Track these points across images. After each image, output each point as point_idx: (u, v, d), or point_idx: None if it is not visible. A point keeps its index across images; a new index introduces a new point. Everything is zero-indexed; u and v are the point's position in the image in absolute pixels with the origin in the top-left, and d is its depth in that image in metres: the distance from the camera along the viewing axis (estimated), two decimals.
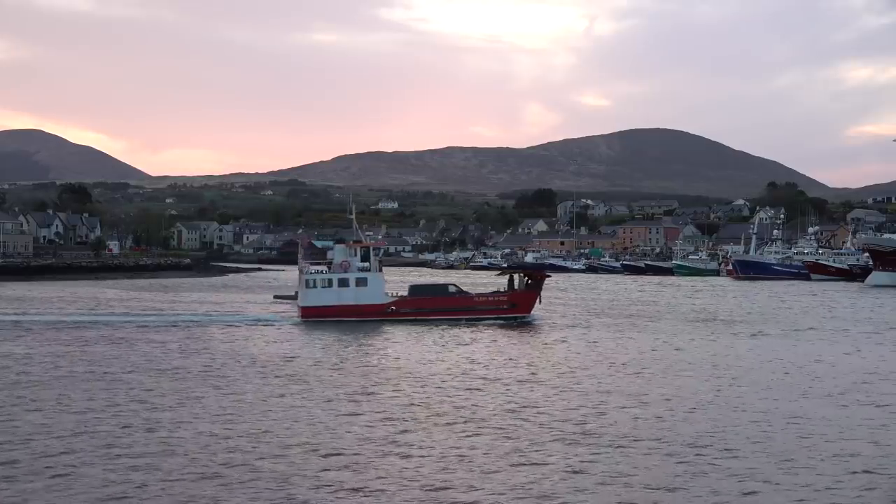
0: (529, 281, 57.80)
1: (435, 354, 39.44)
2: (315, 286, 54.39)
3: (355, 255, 55.66)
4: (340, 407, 26.30)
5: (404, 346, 42.63)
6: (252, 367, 34.87)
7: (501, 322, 53.67)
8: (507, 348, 42.05)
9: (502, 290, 58.44)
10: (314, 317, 53.30)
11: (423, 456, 20.40)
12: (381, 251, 65.94)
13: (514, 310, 55.39)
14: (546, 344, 43.97)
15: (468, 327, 51.18)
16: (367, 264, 55.24)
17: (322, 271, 56.17)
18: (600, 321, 57.64)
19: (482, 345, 43.36)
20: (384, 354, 39.32)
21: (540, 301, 57.22)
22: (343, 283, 54.15)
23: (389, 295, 55.67)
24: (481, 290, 62.94)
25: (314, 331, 48.93)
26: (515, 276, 59.16)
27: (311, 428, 23.17)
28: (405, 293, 56.68)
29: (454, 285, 58.29)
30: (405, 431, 22.88)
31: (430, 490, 17.74)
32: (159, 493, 17.46)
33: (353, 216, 66.24)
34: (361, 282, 54.22)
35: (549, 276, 64.03)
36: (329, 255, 59.25)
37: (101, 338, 44.98)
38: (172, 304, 71.83)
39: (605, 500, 17.22)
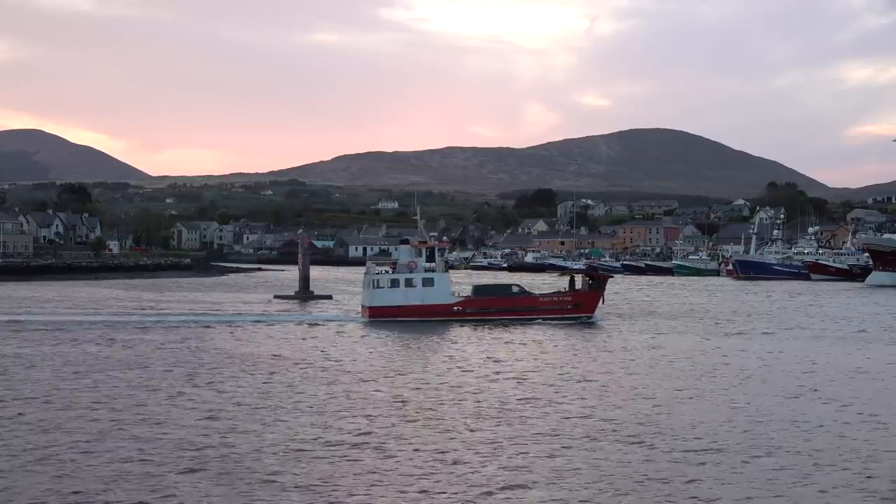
0: (591, 281, 58.38)
1: (526, 353, 39.82)
2: (382, 286, 54.80)
3: (420, 255, 55.99)
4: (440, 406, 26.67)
5: (491, 346, 42.52)
6: (362, 366, 35.45)
7: (565, 322, 53.82)
8: (603, 350, 41.73)
9: (563, 290, 59.19)
10: (381, 317, 53.59)
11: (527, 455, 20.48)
12: (446, 251, 66.54)
13: (578, 310, 55.64)
14: (653, 346, 43.03)
15: (543, 327, 51.56)
16: (432, 264, 55.59)
17: (387, 272, 56.49)
18: (666, 323, 56.38)
19: (568, 344, 43.92)
20: (484, 356, 39.21)
21: (603, 301, 57.50)
22: (410, 283, 54.52)
23: (455, 295, 55.99)
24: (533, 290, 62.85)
25: (388, 331, 48.95)
26: (577, 277, 59.80)
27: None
28: (464, 293, 57.16)
29: (517, 285, 59.16)
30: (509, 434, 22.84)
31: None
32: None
33: (418, 217, 65.97)
34: (428, 282, 54.63)
35: (611, 277, 64.58)
36: (393, 255, 59.46)
37: (183, 338, 45.39)
38: (222, 304, 71.54)
39: None
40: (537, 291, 60.77)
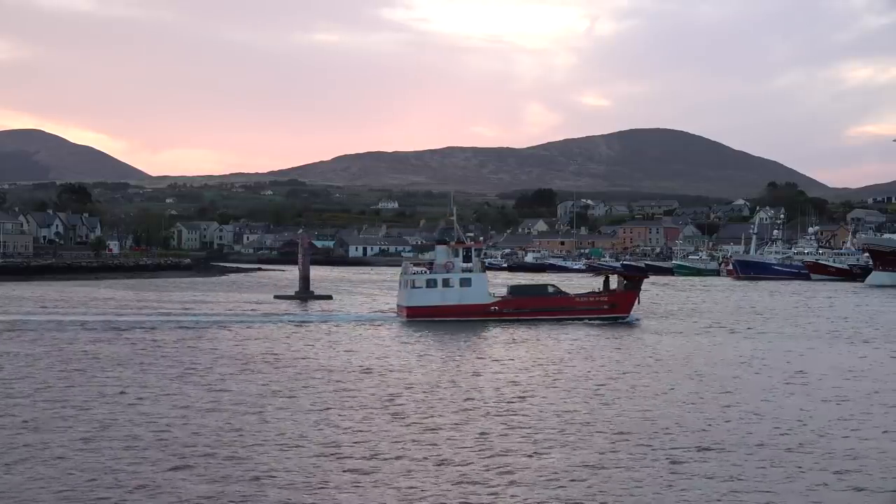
0: (627, 282, 58.57)
1: (579, 353, 40.07)
2: (420, 287, 55.03)
3: (457, 255, 56.17)
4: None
5: (547, 348, 42.37)
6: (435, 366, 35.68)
7: (601, 322, 53.91)
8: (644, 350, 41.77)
9: (597, 290, 59.50)
10: (419, 317, 53.87)
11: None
12: (483, 252, 66.94)
13: (614, 310, 55.87)
14: (718, 344, 42.82)
15: (587, 327, 51.79)
16: (469, 265, 55.82)
17: (423, 272, 56.76)
18: (701, 325, 55.93)
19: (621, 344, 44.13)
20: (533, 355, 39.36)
21: (639, 302, 57.66)
22: (447, 283, 54.77)
23: (492, 295, 56.14)
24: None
25: (432, 331, 49.07)
26: (612, 278, 60.08)
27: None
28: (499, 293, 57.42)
29: (552, 285, 59.62)
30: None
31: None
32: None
33: (455, 217, 66.28)
34: (465, 282, 54.97)
35: (647, 278, 64.68)
36: (429, 255, 59.77)
37: (232, 337, 45.75)
38: (254, 305, 71.71)
39: None
40: (572, 292, 60.93)
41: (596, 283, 67.18)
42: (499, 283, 75.12)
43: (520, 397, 28.26)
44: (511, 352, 40.73)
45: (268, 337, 45.94)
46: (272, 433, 22.52)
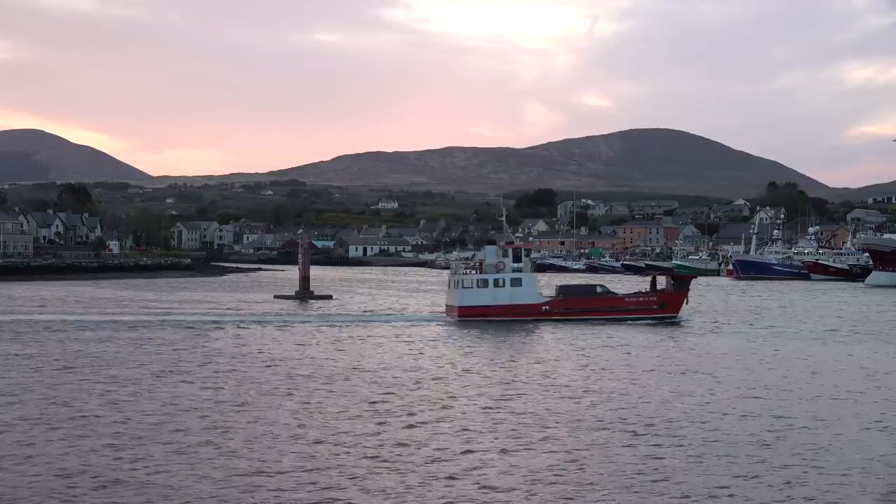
0: (675, 282, 58.78)
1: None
2: (471, 287, 55.17)
3: (507, 255, 56.33)
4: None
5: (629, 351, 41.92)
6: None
7: (651, 322, 54.08)
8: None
9: (644, 290, 59.83)
10: (471, 317, 53.93)
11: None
12: (532, 252, 67.37)
13: (663, 310, 56.03)
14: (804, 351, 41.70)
15: (646, 327, 52.05)
16: (520, 265, 56.02)
17: (472, 272, 56.86)
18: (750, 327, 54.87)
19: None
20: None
21: (687, 302, 57.79)
22: (498, 283, 54.91)
23: (541, 295, 56.35)
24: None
25: (484, 330, 49.13)
26: (659, 278, 60.35)
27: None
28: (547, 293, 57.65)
29: (601, 285, 59.89)
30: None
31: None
32: None
33: (504, 218, 66.74)
34: (516, 282, 55.08)
35: (695, 278, 64.66)
36: (478, 256, 59.95)
37: (289, 337, 45.92)
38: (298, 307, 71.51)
39: None
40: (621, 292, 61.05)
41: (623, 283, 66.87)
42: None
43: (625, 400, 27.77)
44: (600, 353, 39.98)
45: (333, 340, 45.02)
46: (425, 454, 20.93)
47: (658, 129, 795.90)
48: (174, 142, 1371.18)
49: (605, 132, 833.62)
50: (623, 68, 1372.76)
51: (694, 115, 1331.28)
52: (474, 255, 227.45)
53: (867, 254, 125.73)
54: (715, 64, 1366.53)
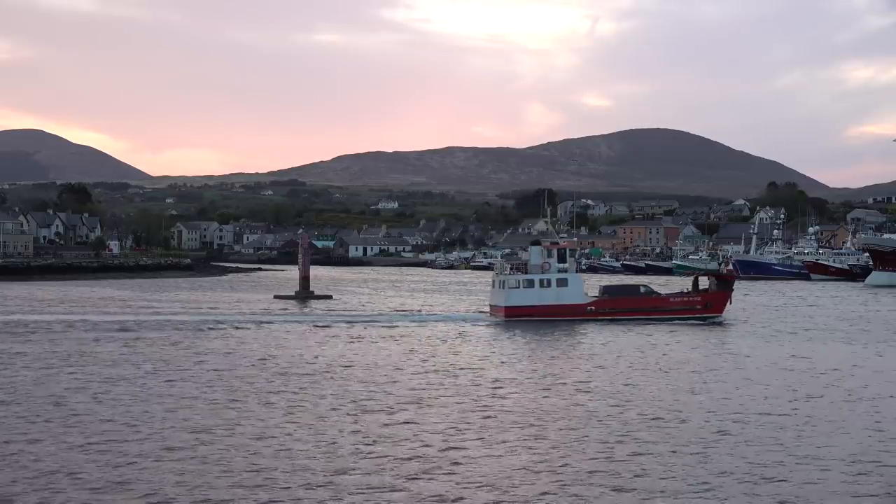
0: (719, 282, 58.94)
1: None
2: (518, 287, 55.32)
3: (552, 256, 56.40)
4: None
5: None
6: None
7: (695, 322, 54.20)
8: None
9: (685, 290, 60.00)
10: (517, 317, 54.03)
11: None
12: (577, 252, 67.18)
13: (707, 310, 56.11)
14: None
15: (708, 327, 52.24)
16: (565, 265, 56.15)
17: (517, 272, 57.01)
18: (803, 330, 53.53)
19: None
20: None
21: (730, 302, 57.97)
22: (544, 283, 55.09)
23: (586, 295, 56.57)
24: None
25: (534, 331, 49.22)
26: (701, 278, 60.54)
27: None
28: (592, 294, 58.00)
29: (644, 285, 60.12)
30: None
31: None
32: None
33: (549, 219, 66.19)
34: (562, 282, 55.23)
35: (738, 278, 64.63)
36: (523, 256, 60.03)
37: (333, 336, 46.20)
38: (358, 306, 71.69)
39: None
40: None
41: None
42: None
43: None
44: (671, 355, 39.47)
45: (399, 341, 44.97)
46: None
47: (658, 129, 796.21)
48: (174, 142, 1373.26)
49: (605, 132, 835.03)
50: (623, 68, 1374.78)
51: (694, 115, 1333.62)
52: (474, 254, 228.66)
53: (867, 254, 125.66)
54: (715, 64, 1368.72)
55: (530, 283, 55.10)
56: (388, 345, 42.71)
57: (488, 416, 24.92)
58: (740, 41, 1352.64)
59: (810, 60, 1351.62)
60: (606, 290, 58.80)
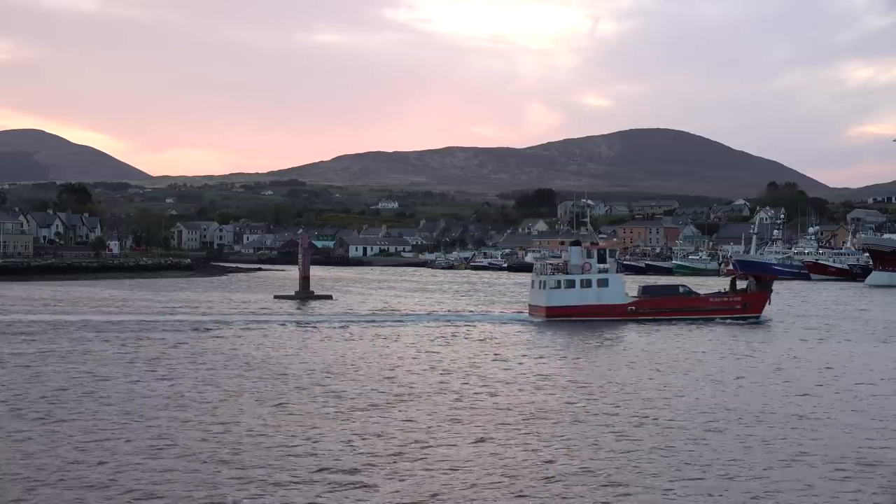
0: (758, 282, 59.24)
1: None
2: (559, 287, 55.60)
3: (592, 256, 56.72)
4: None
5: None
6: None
7: (734, 322, 54.31)
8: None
9: (723, 290, 60.45)
10: (558, 317, 54.32)
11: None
12: (617, 252, 67.24)
13: (747, 310, 56.41)
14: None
15: (751, 326, 52.54)
16: (605, 265, 56.44)
17: (557, 273, 57.17)
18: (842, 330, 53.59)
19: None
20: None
21: (769, 302, 58.09)
22: (586, 284, 55.37)
23: (627, 295, 56.75)
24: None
25: (577, 331, 49.36)
26: (739, 280, 61.12)
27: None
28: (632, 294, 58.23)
29: (683, 285, 60.76)
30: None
31: None
32: None
33: (588, 220, 66.27)
34: (603, 282, 55.60)
35: (777, 278, 65.21)
36: (563, 256, 60.27)
37: (378, 336, 46.52)
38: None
39: None
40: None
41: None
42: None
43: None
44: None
45: (453, 340, 45.35)
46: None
47: (658, 129, 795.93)
48: (174, 142, 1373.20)
49: (606, 132, 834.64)
50: (624, 68, 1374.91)
51: (694, 115, 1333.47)
52: (474, 254, 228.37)
53: (867, 254, 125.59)
54: (715, 64, 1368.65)
55: (571, 284, 55.44)
56: (430, 345, 42.90)
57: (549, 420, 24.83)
58: (740, 41, 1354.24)
59: (810, 60, 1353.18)
60: (646, 290, 59.24)
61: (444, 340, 44.97)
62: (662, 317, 54.62)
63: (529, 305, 59.51)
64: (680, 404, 26.99)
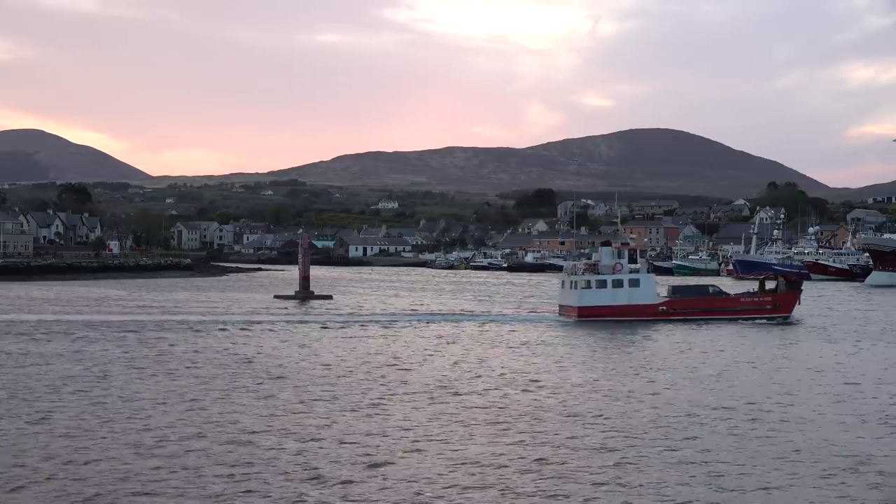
0: (788, 283, 59.50)
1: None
2: (590, 287, 55.78)
3: (622, 256, 56.92)
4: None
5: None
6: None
7: (765, 322, 54.57)
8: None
9: (751, 290, 60.63)
10: (590, 317, 54.47)
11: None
12: (647, 253, 67.15)
13: (777, 310, 56.60)
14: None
15: (779, 327, 52.66)
16: (636, 265, 56.78)
17: (588, 273, 57.23)
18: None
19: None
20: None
21: (799, 302, 58.35)
22: (617, 284, 55.53)
23: (658, 296, 56.91)
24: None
25: (611, 330, 49.52)
26: (767, 281, 61.17)
27: None
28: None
29: (713, 286, 61.00)
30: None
31: None
32: None
33: (619, 220, 66.23)
34: (634, 282, 55.80)
35: (808, 279, 65.29)
36: (594, 257, 60.47)
37: (402, 336, 46.79)
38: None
39: None
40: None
41: None
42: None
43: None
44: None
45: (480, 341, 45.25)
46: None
47: (658, 129, 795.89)
48: (174, 142, 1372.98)
49: (606, 132, 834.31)
50: (624, 68, 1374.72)
51: (694, 115, 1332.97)
52: (474, 254, 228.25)
53: (867, 254, 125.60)
54: (715, 64, 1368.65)
55: (603, 284, 55.61)
56: (457, 346, 42.83)
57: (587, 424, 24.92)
58: (741, 41, 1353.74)
59: (811, 60, 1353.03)
60: (676, 290, 59.44)
61: (467, 340, 45.17)
62: (693, 317, 54.81)
63: (560, 305, 59.41)
64: (709, 399, 26.99)
